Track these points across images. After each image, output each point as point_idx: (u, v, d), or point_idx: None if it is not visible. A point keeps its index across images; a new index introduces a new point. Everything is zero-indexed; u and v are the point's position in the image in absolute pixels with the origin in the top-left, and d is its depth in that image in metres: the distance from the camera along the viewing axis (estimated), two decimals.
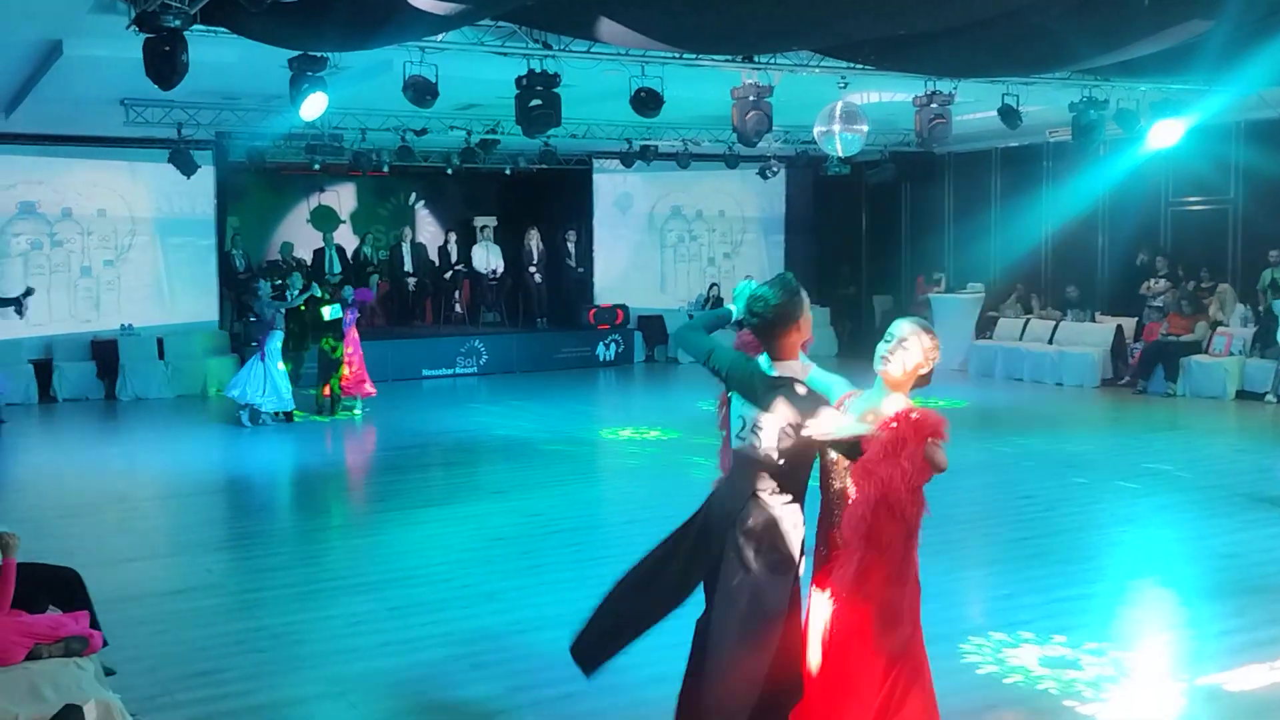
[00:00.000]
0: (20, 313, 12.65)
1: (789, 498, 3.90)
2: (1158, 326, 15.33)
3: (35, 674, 4.46)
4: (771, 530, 3.85)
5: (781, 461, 3.85)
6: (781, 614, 3.81)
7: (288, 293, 13.04)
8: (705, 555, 3.94)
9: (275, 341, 12.89)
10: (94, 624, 5.07)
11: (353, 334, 13.73)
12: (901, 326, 3.93)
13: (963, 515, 8.78)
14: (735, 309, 4.13)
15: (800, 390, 3.83)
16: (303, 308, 13.02)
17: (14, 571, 4.76)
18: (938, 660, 5.55)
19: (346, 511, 9.15)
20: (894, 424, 3.61)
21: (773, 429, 3.84)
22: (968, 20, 7.66)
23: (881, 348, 3.92)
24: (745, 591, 3.82)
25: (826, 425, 3.72)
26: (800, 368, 3.98)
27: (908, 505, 3.63)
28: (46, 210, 16.11)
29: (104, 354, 15.83)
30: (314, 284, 13.17)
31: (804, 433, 3.76)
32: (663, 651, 5.78)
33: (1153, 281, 15.83)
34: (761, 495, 3.88)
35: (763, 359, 3.96)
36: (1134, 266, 16.33)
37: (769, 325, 3.91)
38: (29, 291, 12.75)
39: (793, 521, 3.90)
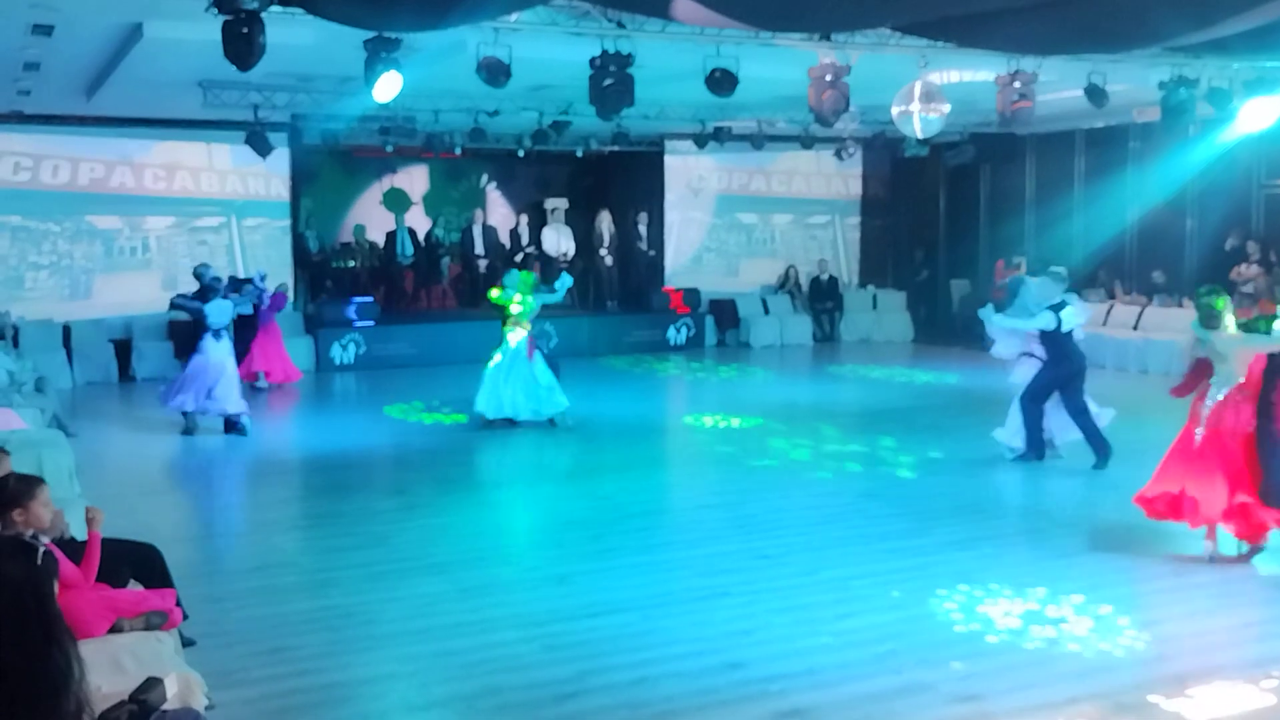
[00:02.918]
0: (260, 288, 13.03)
1: None
2: (1248, 313, 14.75)
3: (117, 647, 4.52)
4: None
5: None
6: None
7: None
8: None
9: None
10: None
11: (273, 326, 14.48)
12: None
13: (1049, 505, 8.59)
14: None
15: None
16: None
17: (99, 546, 4.82)
18: (1043, 645, 5.40)
19: (417, 493, 9.18)
20: None
21: None
22: None
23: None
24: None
25: None
26: None
27: None
28: (126, 191, 16.43)
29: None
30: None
31: None
32: (733, 639, 5.73)
33: (1244, 266, 15.29)
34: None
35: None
36: (1223, 251, 15.80)
37: None
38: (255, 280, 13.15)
39: None
